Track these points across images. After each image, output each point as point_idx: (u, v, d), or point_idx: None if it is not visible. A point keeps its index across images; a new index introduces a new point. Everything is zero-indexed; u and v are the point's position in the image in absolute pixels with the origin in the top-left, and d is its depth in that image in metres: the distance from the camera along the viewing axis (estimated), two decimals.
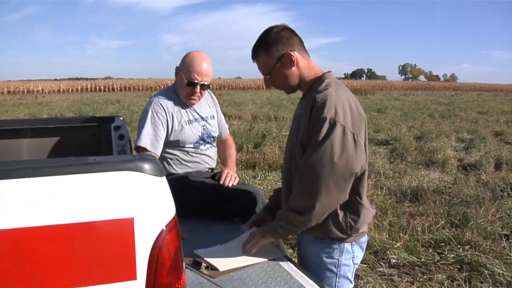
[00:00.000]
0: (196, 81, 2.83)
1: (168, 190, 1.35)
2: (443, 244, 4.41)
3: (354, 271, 2.16)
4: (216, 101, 3.29)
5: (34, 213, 1.19)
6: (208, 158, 3.03)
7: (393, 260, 4.11)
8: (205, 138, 3.01)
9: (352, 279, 2.17)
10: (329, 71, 2.14)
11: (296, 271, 2.01)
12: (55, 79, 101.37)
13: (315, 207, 1.89)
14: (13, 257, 1.19)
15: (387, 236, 4.58)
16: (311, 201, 1.89)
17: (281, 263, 2.09)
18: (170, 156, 2.92)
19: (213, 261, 2.06)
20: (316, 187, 1.87)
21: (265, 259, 2.12)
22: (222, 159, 3.21)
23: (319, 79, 2.08)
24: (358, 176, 1.98)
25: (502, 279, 3.73)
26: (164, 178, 1.33)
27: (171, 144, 2.89)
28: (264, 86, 2.84)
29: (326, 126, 1.86)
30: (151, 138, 2.78)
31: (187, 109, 2.96)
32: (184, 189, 2.74)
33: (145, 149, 2.75)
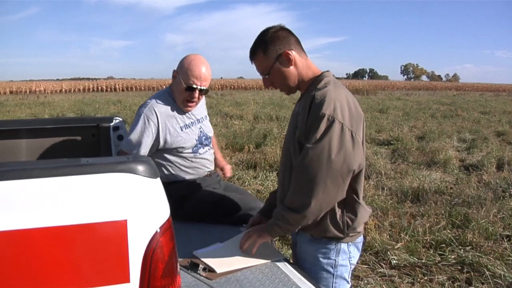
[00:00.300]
0: (195, 86, 2.74)
1: (162, 191, 1.34)
2: (444, 245, 4.39)
3: (350, 271, 2.16)
4: (204, 100, 3.17)
5: (26, 215, 1.18)
6: (207, 161, 2.96)
7: (394, 261, 4.09)
8: (203, 140, 2.94)
9: (349, 280, 2.17)
10: (327, 71, 2.14)
11: (294, 273, 2.00)
12: (57, 79, 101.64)
13: (311, 205, 1.88)
14: (5, 259, 1.17)
15: (387, 236, 4.56)
16: (307, 198, 1.88)
17: (279, 264, 2.08)
18: (169, 163, 2.83)
19: (211, 262, 2.05)
20: (313, 184, 1.86)
21: (264, 261, 2.10)
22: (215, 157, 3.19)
23: (318, 78, 2.08)
24: (356, 175, 1.97)
25: (503, 280, 3.70)
26: (158, 180, 1.32)
27: (169, 151, 2.81)
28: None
29: (324, 123, 1.86)
30: (134, 145, 2.68)
31: (183, 114, 2.87)
32: (189, 198, 2.76)
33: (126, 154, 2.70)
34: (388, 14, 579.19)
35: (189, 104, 2.81)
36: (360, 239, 2.16)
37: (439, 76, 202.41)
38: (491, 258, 4.07)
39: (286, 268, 2.05)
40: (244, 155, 8.69)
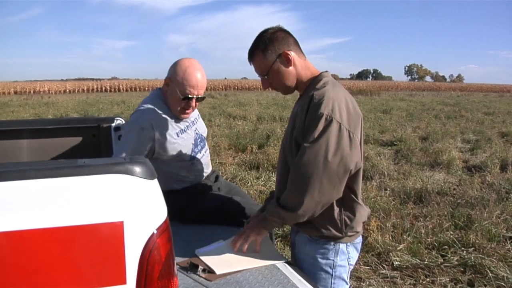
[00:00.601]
0: (192, 96, 2.61)
1: (159, 193, 1.33)
2: (446, 246, 4.37)
3: (349, 272, 2.17)
4: None
5: (23, 217, 1.18)
6: (204, 166, 2.84)
7: (396, 263, 4.08)
8: (199, 142, 2.82)
9: (348, 280, 2.17)
10: (326, 71, 2.15)
11: (293, 274, 1.99)
12: (62, 80, 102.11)
13: (306, 204, 1.89)
14: (1, 261, 1.17)
15: (390, 238, 4.54)
16: (303, 197, 1.88)
17: (278, 266, 2.07)
18: (165, 173, 2.63)
19: (211, 263, 2.04)
20: (309, 183, 1.87)
21: (265, 263, 2.09)
22: None
23: (316, 78, 2.09)
24: (353, 174, 1.98)
25: (506, 282, 3.69)
26: (155, 181, 1.31)
27: (165, 159, 2.65)
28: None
29: (322, 122, 1.86)
30: (127, 154, 2.49)
31: (177, 119, 2.72)
32: (188, 208, 2.70)
33: None
34: (392, 15, 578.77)
35: (187, 112, 2.70)
36: (359, 239, 2.16)
37: (443, 76, 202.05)
38: (494, 260, 4.06)
39: (286, 269, 2.04)
40: (247, 156, 8.69)
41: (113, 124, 3.20)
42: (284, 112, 17.26)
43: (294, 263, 2.18)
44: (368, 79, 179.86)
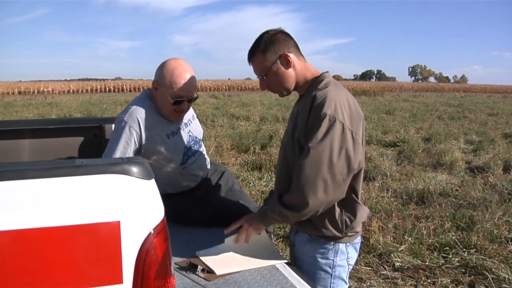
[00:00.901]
0: (183, 99, 2.50)
1: (157, 193, 1.34)
2: (447, 247, 4.36)
3: (348, 272, 2.17)
4: None
5: (20, 216, 1.19)
6: (198, 169, 2.73)
7: (397, 263, 4.08)
8: (192, 145, 2.69)
9: (347, 280, 2.17)
10: (326, 71, 2.15)
11: (292, 274, 1.99)
12: (65, 80, 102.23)
13: (310, 204, 1.89)
14: None
15: (391, 239, 4.54)
16: (307, 198, 1.88)
17: (277, 266, 2.07)
18: (159, 176, 2.54)
19: (210, 263, 2.04)
20: (314, 184, 1.87)
21: (264, 263, 2.09)
22: None
23: (317, 79, 2.10)
24: (355, 174, 2.00)
25: (508, 284, 3.68)
26: (152, 181, 1.32)
27: (156, 165, 2.54)
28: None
29: (326, 123, 1.87)
30: (114, 155, 2.43)
31: (168, 120, 2.61)
32: (191, 210, 2.66)
33: None
34: (396, 16, 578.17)
35: (178, 115, 2.60)
36: (358, 239, 2.17)
37: (447, 77, 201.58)
38: (495, 261, 4.05)
39: (285, 269, 2.04)
40: (250, 156, 8.70)
41: None
42: (287, 113, 17.24)
43: (294, 263, 2.19)
44: (371, 79, 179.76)
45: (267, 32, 2.10)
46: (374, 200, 5.75)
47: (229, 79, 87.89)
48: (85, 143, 3.20)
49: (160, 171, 2.60)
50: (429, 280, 3.82)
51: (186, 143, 2.66)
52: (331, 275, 2.09)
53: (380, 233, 4.60)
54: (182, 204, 2.67)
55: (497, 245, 4.46)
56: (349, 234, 2.06)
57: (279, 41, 2.06)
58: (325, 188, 1.87)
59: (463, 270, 3.96)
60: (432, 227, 4.87)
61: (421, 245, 4.39)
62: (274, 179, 6.80)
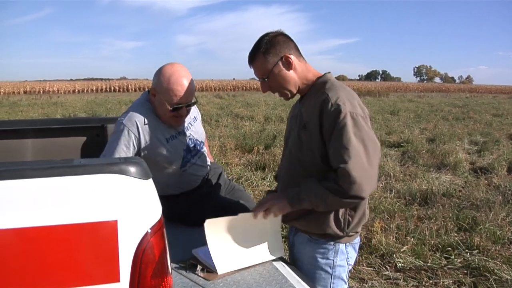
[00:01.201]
0: (181, 105, 2.47)
1: (154, 192, 1.35)
2: (450, 248, 4.36)
3: (348, 272, 2.18)
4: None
5: (18, 215, 1.20)
6: (200, 169, 2.74)
7: (399, 264, 4.08)
8: (192, 149, 2.69)
9: (347, 280, 2.18)
10: (329, 72, 2.17)
11: (291, 274, 2.00)
12: (71, 80, 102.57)
13: (365, 197, 1.92)
14: None
15: (394, 239, 4.54)
16: (361, 192, 1.88)
17: (277, 266, 2.08)
18: (159, 178, 2.50)
19: (210, 262, 2.04)
20: (364, 178, 1.87)
21: (264, 259, 2.10)
22: None
23: (321, 79, 2.11)
24: None
25: (510, 285, 3.68)
26: (150, 181, 1.33)
27: (154, 166, 2.41)
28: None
29: (349, 120, 1.89)
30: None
31: (167, 124, 2.60)
32: (191, 211, 2.66)
33: None
34: (401, 16, 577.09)
35: (178, 120, 2.58)
36: (357, 240, 2.18)
37: (453, 78, 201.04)
38: (498, 263, 4.04)
39: (284, 269, 2.04)
40: (253, 156, 8.71)
41: None
42: None
43: (293, 263, 2.19)
44: (377, 80, 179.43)
45: (267, 35, 2.11)
46: (377, 200, 5.74)
47: (234, 79, 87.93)
48: (88, 142, 3.22)
49: (161, 173, 2.60)
50: (431, 281, 3.81)
51: (186, 146, 2.66)
52: (331, 275, 2.10)
53: (382, 234, 4.59)
54: (183, 205, 2.68)
55: (500, 246, 4.45)
56: (350, 234, 2.07)
57: (279, 43, 2.07)
58: (371, 180, 1.90)
59: (465, 271, 3.96)
60: (435, 228, 4.86)
61: (423, 246, 4.38)
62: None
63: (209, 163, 2.85)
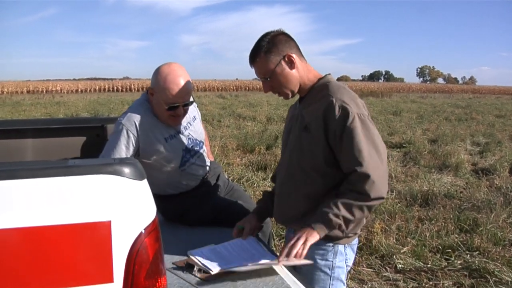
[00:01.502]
0: (177, 104, 2.50)
1: (149, 193, 1.35)
2: (449, 250, 4.35)
3: (346, 273, 2.18)
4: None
5: (11, 216, 1.20)
6: (199, 168, 2.75)
7: (399, 265, 4.08)
8: (191, 148, 2.70)
9: (345, 281, 2.19)
10: (329, 74, 2.17)
11: (289, 275, 1.99)
12: (74, 79, 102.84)
13: (384, 196, 1.96)
14: None
15: (394, 240, 4.53)
16: (380, 192, 1.92)
17: (274, 267, 2.06)
18: (158, 178, 2.61)
19: (207, 263, 2.04)
20: (381, 178, 1.91)
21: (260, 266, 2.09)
22: None
23: (322, 81, 2.11)
24: None
25: (510, 287, 3.67)
26: (144, 182, 1.33)
27: (154, 166, 2.59)
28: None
29: (357, 121, 1.92)
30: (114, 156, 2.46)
31: (167, 124, 2.63)
32: (190, 211, 2.69)
33: None
34: (404, 16, 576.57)
35: (176, 120, 2.61)
36: (355, 241, 2.18)
37: (456, 78, 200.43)
38: (499, 264, 4.03)
39: (282, 270, 2.04)
40: (255, 157, 8.71)
41: None
42: None
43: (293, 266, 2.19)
44: (380, 80, 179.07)
45: (268, 34, 2.10)
46: None
47: (237, 79, 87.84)
48: (88, 142, 3.22)
49: (160, 172, 2.63)
50: (431, 283, 3.81)
51: (185, 146, 2.67)
52: (330, 276, 2.10)
53: (382, 235, 4.59)
54: (182, 204, 2.70)
55: (500, 248, 4.44)
56: (350, 235, 2.08)
57: (281, 42, 2.07)
58: (386, 179, 1.96)
59: (466, 273, 3.95)
60: (436, 229, 4.85)
61: (423, 247, 4.38)
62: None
63: (208, 163, 2.86)
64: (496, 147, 10.57)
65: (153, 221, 1.34)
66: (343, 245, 2.09)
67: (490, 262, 4.06)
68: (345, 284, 2.20)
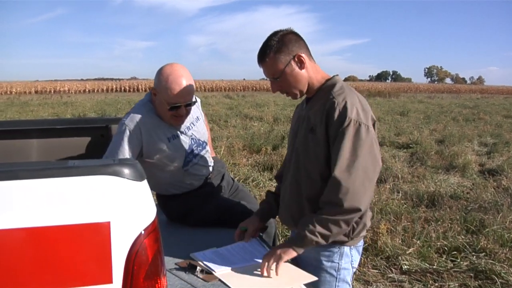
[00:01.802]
0: (179, 104, 2.50)
1: (149, 194, 1.35)
2: (455, 251, 4.32)
3: (352, 274, 2.17)
4: (199, 102, 2.90)
5: (10, 216, 1.21)
6: (202, 168, 2.76)
7: (405, 266, 4.06)
8: (194, 148, 2.70)
9: (351, 283, 2.17)
10: (337, 75, 2.14)
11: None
12: (82, 79, 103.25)
13: (362, 209, 1.89)
14: None
15: (400, 241, 4.50)
16: (355, 205, 1.87)
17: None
18: (162, 178, 2.66)
19: (209, 264, 2.04)
20: (356, 190, 1.87)
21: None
22: None
23: (329, 82, 2.08)
24: None
25: None
26: (144, 182, 1.33)
27: (157, 166, 2.61)
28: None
29: (352, 128, 1.88)
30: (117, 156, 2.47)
31: (169, 124, 2.63)
32: (194, 211, 2.69)
33: None
34: (412, 16, 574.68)
35: (178, 120, 2.60)
36: (361, 242, 2.17)
37: (463, 78, 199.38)
38: (505, 266, 4.00)
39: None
40: (261, 157, 8.70)
41: None
42: None
43: (297, 266, 2.18)
44: (387, 81, 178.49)
45: (277, 33, 2.06)
46: (383, 202, 5.71)
47: (244, 79, 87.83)
48: (92, 143, 3.22)
49: (163, 172, 2.64)
50: (436, 284, 3.79)
51: (188, 146, 2.67)
52: (336, 278, 2.09)
53: (388, 236, 4.56)
54: (186, 204, 2.70)
55: (507, 249, 4.39)
56: (355, 238, 2.06)
57: (291, 42, 2.04)
58: (365, 192, 1.89)
59: (472, 274, 3.92)
60: (442, 230, 4.82)
61: (429, 248, 4.35)
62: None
63: (212, 163, 2.85)
64: (503, 147, 10.49)
65: (153, 222, 1.34)
66: (348, 247, 2.07)
67: (496, 263, 4.02)
68: (351, 286, 2.18)
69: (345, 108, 1.90)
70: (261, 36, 2.11)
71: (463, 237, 4.67)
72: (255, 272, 2.00)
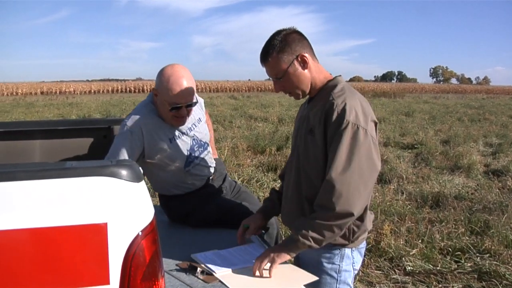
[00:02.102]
0: (180, 105, 2.50)
1: (146, 195, 1.35)
2: (459, 252, 4.30)
3: (353, 276, 2.15)
4: (202, 103, 2.96)
5: (9, 217, 1.21)
6: (205, 168, 2.76)
7: (409, 268, 4.04)
8: (196, 149, 2.71)
9: (352, 285, 2.16)
10: (339, 75, 2.12)
11: None
12: (87, 80, 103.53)
13: (354, 213, 1.87)
14: None
15: (403, 242, 4.49)
16: (348, 209, 1.85)
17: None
18: (164, 179, 2.69)
19: (210, 265, 2.04)
20: (351, 195, 1.84)
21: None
22: None
23: (331, 83, 2.06)
24: None
25: None
26: (142, 184, 1.33)
27: (159, 166, 2.63)
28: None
29: (349, 130, 1.86)
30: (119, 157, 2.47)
31: (171, 125, 2.64)
32: (195, 211, 2.69)
33: None
34: (417, 16, 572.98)
35: (179, 120, 2.60)
36: (363, 244, 2.15)
37: (469, 79, 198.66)
38: (510, 267, 3.98)
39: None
40: (265, 158, 8.69)
41: None
42: None
43: (298, 267, 2.18)
44: (392, 81, 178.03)
45: (280, 32, 2.04)
46: (388, 203, 5.69)
47: (249, 80, 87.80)
48: (95, 144, 3.23)
49: (165, 173, 2.65)
50: (440, 285, 3.77)
51: (189, 147, 2.68)
52: (337, 280, 2.07)
53: (392, 237, 4.55)
54: (187, 205, 2.71)
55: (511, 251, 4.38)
56: (356, 241, 2.05)
57: (295, 41, 2.02)
58: (360, 196, 1.87)
59: (475, 276, 3.90)
60: (446, 231, 4.80)
61: (433, 249, 4.33)
62: None
63: (213, 164, 2.86)
64: (509, 148, 10.44)
65: (151, 223, 1.34)
66: (350, 249, 2.06)
67: (501, 265, 4.00)
68: None
69: (343, 110, 1.88)
70: (267, 37, 2.08)
71: (467, 238, 4.65)
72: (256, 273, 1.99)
